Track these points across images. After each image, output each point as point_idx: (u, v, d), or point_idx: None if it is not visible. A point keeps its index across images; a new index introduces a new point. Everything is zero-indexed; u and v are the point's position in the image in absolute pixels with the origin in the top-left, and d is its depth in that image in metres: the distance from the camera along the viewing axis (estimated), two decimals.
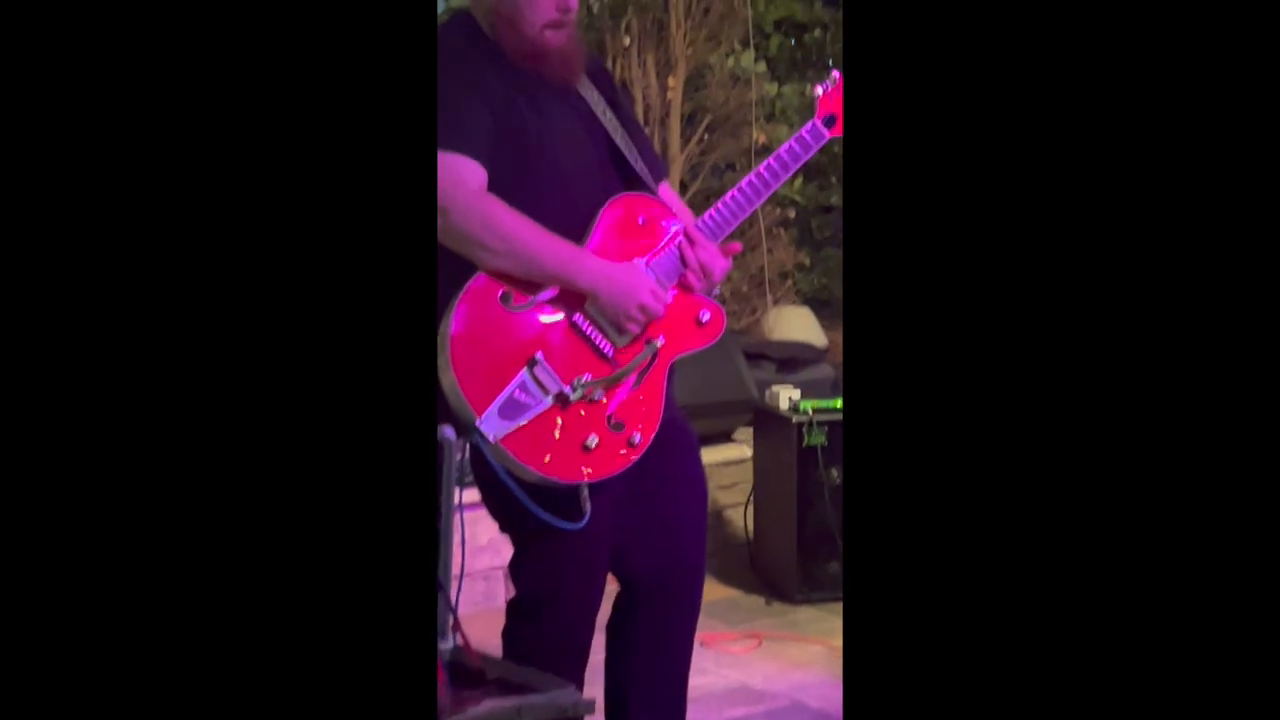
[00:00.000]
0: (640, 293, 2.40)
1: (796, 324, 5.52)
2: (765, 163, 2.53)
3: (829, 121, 2.53)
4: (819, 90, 2.56)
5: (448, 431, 1.97)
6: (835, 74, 2.57)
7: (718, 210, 2.51)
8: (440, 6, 5.78)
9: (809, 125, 2.53)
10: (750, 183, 2.52)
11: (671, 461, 2.54)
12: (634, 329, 2.42)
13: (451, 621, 1.96)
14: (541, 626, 2.50)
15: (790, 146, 2.52)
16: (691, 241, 2.48)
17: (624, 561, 2.60)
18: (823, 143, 2.54)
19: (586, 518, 2.36)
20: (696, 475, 2.65)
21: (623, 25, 5.52)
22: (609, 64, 5.55)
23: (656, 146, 5.66)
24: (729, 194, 2.52)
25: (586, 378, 2.38)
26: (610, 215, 2.45)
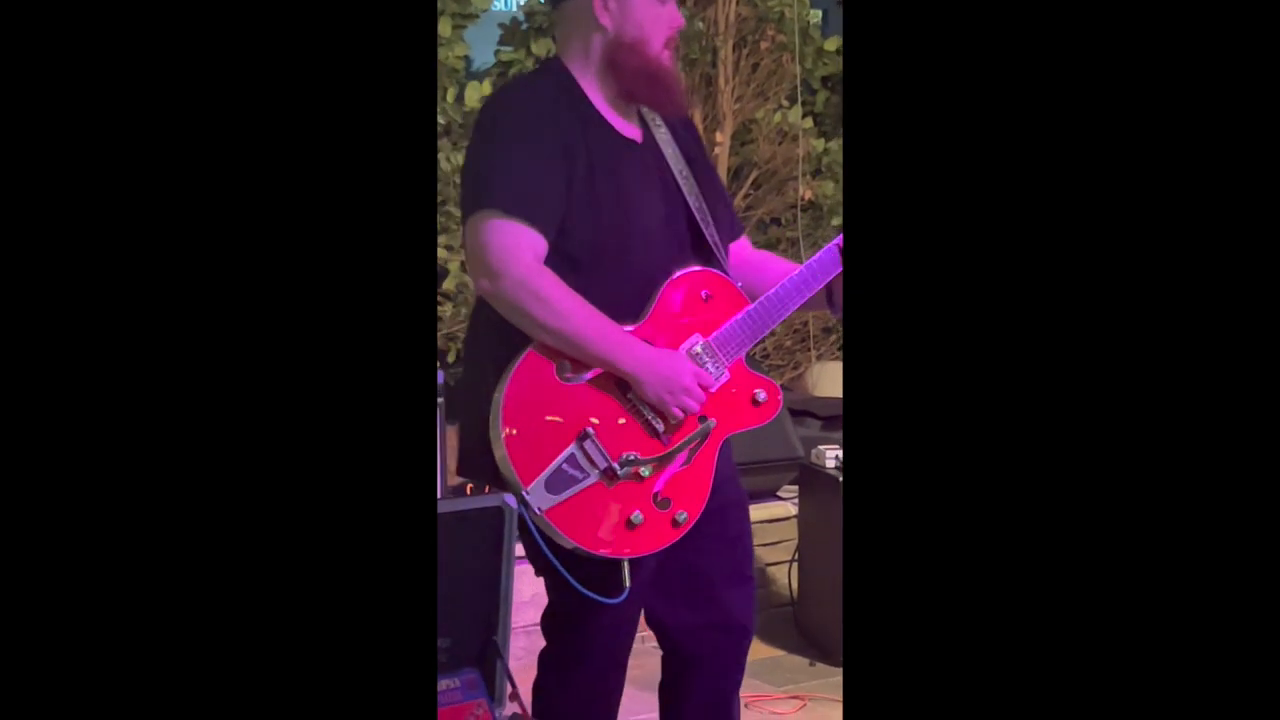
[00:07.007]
0: (681, 379, 2.37)
1: (839, 379, 5.51)
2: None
3: None
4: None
5: (509, 500, 1.96)
6: None
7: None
8: (490, 60, 5.85)
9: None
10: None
11: (712, 521, 2.48)
12: (676, 414, 2.39)
13: (509, 690, 1.96)
14: (571, 680, 2.51)
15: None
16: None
17: (664, 626, 2.60)
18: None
19: (626, 593, 2.34)
20: (738, 533, 2.60)
21: None
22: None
23: None
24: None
25: (635, 455, 2.36)
26: (671, 291, 2.43)
